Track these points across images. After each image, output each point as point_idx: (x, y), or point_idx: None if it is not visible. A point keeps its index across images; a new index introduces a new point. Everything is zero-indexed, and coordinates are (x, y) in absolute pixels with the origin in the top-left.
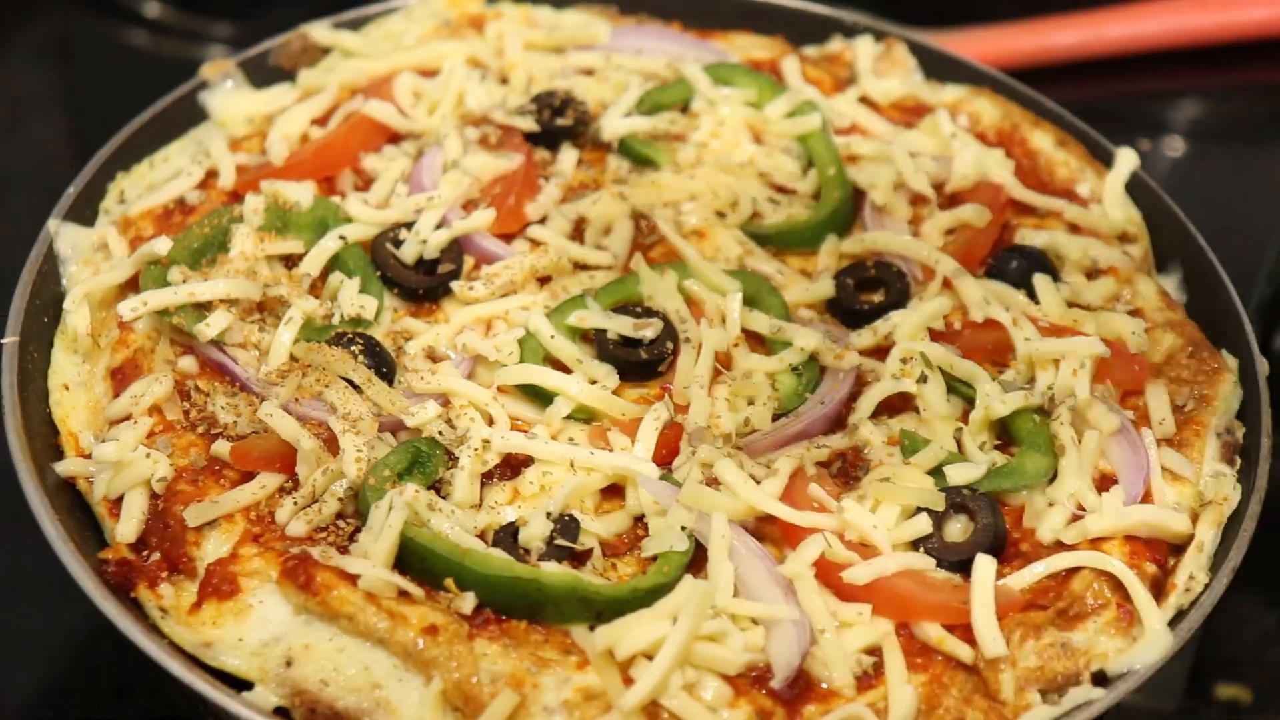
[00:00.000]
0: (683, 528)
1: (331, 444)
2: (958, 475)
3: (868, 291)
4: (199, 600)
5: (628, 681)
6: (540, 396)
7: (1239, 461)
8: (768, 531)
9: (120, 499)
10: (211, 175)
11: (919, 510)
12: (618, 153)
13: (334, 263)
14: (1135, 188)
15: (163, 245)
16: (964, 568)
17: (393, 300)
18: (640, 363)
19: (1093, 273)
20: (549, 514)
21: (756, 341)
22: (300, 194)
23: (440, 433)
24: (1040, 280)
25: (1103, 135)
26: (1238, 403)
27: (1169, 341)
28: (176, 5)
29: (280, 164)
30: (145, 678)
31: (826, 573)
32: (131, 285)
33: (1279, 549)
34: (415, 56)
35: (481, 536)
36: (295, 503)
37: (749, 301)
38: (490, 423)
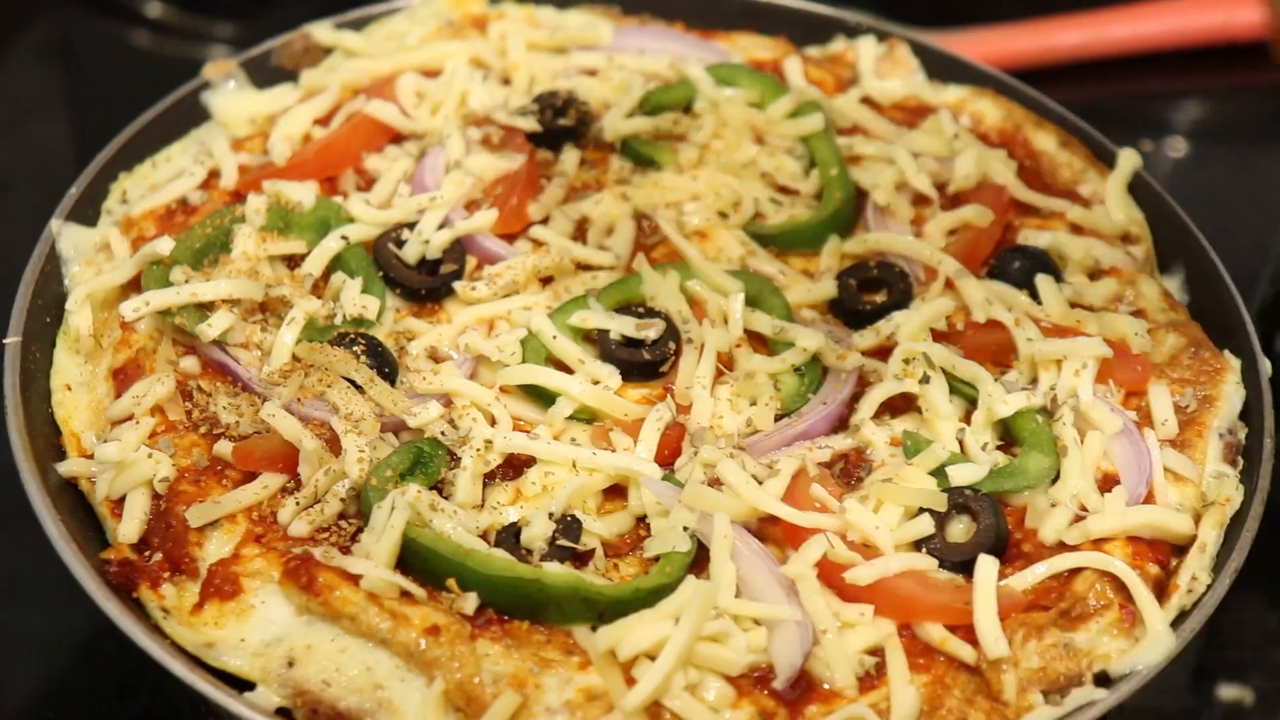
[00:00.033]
0: (685, 528)
1: (334, 444)
2: (960, 476)
3: (870, 292)
4: (201, 601)
5: (630, 682)
6: (542, 397)
7: (1241, 462)
8: (770, 532)
9: (122, 499)
10: (214, 175)
11: (921, 511)
12: (620, 153)
13: (336, 263)
14: (1138, 188)
15: (165, 245)
16: (966, 568)
17: (395, 300)
18: (643, 363)
19: (1095, 273)
20: (551, 514)
21: (759, 342)
22: (302, 194)
23: (443, 433)
24: (1043, 281)
25: (1105, 136)
26: (1240, 403)
27: (1171, 342)
28: (178, 5)
29: (282, 164)
30: (147, 678)
31: (829, 573)
32: (134, 285)
33: None
34: (418, 57)
35: (484, 537)
36: (297, 503)
37: (751, 302)
38: (492, 423)
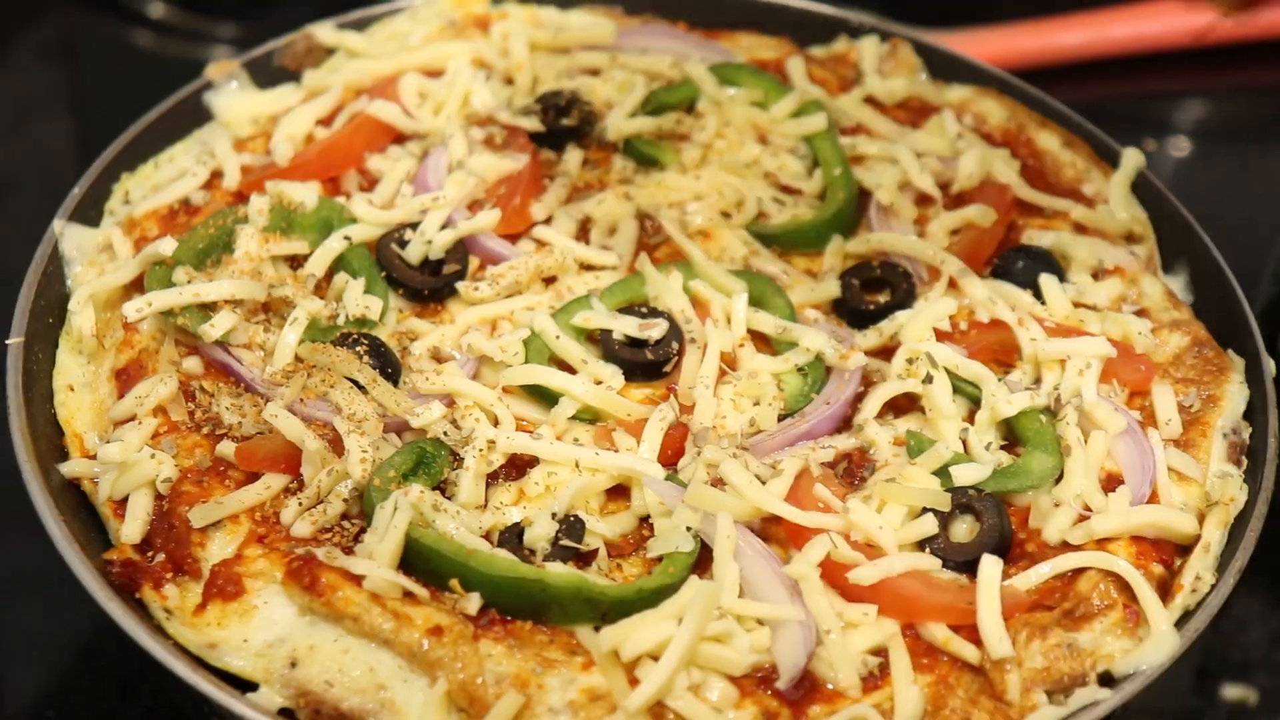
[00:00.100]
0: (688, 528)
1: (336, 445)
2: (963, 476)
3: (873, 292)
4: (204, 601)
5: (633, 682)
6: (545, 397)
7: (1245, 462)
8: (773, 532)
9: (125, 500)
10: (216, 176)
11: (925, 511)
12: (623, 153)
13: (339, 263)
14: (1141, 188)
15: (168, 246)
16: (970, 568)
17: (398, 301)
18: (645, 363)
19: (1099, 273)
20: (554, 514)
21: (762, 342)
22: (305, 194)
23: (445, 433)
24: (1046, 280)
25: (1108, 135)
26: (1244, 403)
27: (1175, 342)
28: (181, 6)
29: (285, 164)
30: (149, 678)
31: (832, 573)
32: (136, 286)
33: None
34: (420, 57)
35: (486, 537)
36: (300, 503)
37: (754, 302)
38: (495, 423)
